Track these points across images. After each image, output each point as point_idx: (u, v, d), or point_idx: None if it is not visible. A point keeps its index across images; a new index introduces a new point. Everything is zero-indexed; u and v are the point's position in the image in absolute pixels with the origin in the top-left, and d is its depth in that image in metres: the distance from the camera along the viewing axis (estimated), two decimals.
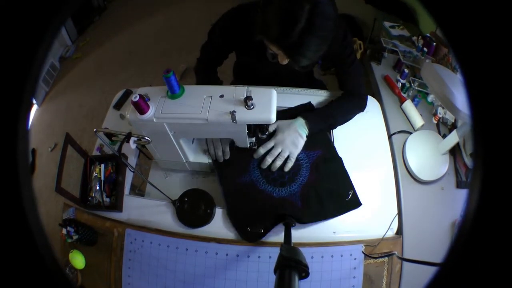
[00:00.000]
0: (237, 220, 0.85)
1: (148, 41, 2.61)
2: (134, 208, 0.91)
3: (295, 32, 0.67)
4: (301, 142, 0.91)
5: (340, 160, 0.93)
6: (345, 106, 1.00)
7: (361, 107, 1.02)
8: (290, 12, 0.66)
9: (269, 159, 0.89)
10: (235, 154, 0.91)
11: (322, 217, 0.85)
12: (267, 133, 0.89)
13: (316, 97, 1.06)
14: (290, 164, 0.89)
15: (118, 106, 1.09)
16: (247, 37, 0.83)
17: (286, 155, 0.89)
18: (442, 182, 1.02)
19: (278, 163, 0.89)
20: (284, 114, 0.97)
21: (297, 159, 0.91)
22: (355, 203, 0.87)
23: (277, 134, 0.90)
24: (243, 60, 1.13)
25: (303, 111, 0.99)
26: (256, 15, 0.75)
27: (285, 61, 0.79)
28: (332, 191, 0.88)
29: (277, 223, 0.83)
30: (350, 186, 0.89)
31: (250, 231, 0.83)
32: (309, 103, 1.03)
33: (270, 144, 0.90)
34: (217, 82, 1.09)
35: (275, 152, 0.89)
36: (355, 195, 0.88)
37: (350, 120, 1.01)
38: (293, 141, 0.90)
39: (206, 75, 1.08)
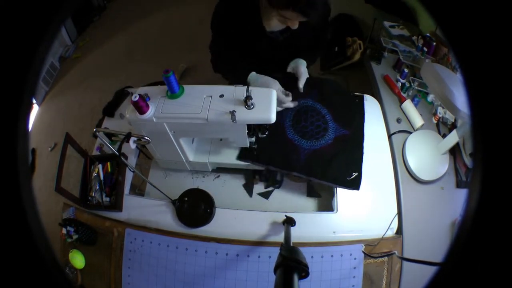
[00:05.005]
0: (334, 180, 0.90)
1: (148, 41, 2.61)
2: (134, 207, 0.91)
3: None
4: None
5: (361, 148, 0.97)
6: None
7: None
8: None
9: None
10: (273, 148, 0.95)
11: (322, 179, 0.90)
12: (267, 132, 0.89)
13: None
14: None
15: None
16: (245, 21, 0.90)
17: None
18: (442, 182, 1.02)
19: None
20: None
21: (325, 128, 0.99)
22: (354, 184, 0.90)
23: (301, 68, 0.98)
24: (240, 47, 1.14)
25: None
26: None
27: (296, 25, 0.85)
28: (346, 106, 1.01)
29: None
30: (358, 169, 0.92)
31: (350, 178, 0.90)
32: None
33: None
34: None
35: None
36: (358, 178, 0.91)
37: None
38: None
39: (237, 68, 1.09)
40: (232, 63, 1.08)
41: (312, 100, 1.04)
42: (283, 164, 0.91)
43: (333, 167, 0.91)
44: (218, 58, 1.08)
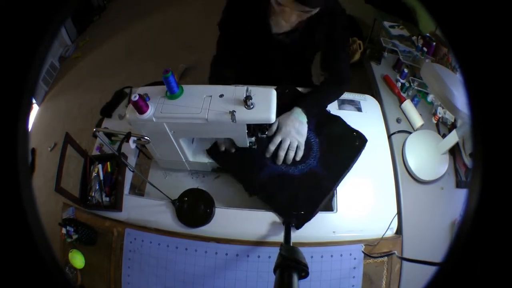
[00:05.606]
0: (280, 209, 0.86)
1: (148, 41, 2.61)
2: (133, 207, 0.91)
3: None
4: (305, 129, 0.93)
5: (332, 116, 0.99)
6: (333, 90, 1.04)
7: (344, 90, 1.06)
8: None
9: (281, 153, 0.89)
10: (243, 154, 0.92)
11: (344, 170, 0.90)
12: (266, 132, 0.89)
13: None
14: (300, 153, 0.91)
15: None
16: (250, 21, 0.90)
17: (295, 145, 0.90)
18: (442, 182, 1.02)
19: (291, 154, 0.90)
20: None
21: (307, 140, 0.94)
22: (363, 141, 0.94)
23: (281, 128, 0.91)
24: (244, 52, 1.13)
25: (295, 99, 1.00)
26: None
27: (293, 17, 0.82)
28: (341, 144, 0.94)
29: (315, 202, 0.85)
30: (351, 131, 0.95)
31: (296, 214, 0.84)
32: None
33: (277, 139, 0.90)
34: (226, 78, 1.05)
35: (285, 145, 0.89)
36: (360, 136, 0.94)
37: (349, 120, 1.01)
38: (298, 130, 0.91)
39: (219, 73, 1.07)
40: (221, 69, 1.06)
41: (309, 130, 0.95)
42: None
43: (342, 152, 0.92)
44: (215, 57, 1.08)
